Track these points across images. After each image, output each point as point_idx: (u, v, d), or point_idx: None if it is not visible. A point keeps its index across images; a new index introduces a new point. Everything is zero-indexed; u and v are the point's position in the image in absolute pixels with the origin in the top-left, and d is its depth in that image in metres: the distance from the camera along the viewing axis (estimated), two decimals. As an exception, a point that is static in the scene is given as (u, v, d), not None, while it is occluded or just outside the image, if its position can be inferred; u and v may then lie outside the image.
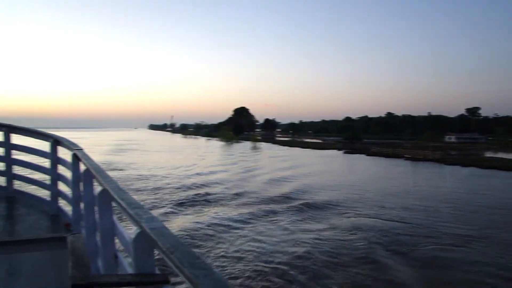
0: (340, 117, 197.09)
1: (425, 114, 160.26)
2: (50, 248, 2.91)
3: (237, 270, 12.35)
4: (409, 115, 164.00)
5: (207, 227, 17.09)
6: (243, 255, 13.69)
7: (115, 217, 3.00)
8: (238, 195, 25.59)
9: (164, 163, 46.02)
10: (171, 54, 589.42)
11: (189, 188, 27.47)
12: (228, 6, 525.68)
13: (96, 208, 3.31)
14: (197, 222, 17.88)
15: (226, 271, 12.13)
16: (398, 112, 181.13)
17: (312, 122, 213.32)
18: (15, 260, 3.60)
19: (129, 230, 2.65)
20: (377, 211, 21.33)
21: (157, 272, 2.10)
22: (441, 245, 15.49)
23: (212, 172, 37.99)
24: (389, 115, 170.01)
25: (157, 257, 2.04)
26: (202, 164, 46.41)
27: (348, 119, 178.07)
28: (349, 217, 19.89)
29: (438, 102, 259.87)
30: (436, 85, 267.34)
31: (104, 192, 2.85)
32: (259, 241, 15.59)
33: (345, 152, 74.72)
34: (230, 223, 18.04)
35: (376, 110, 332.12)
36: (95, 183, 3.57)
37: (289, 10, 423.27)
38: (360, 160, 59.69)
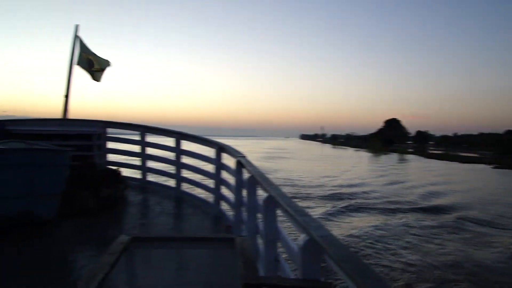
0: (500, 130, 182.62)
1: None
2: (219, 247, 2.97)
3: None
4: None
5: (365, 237, 16.93)
6: (410, 266, 13.23)
7: (279, 223, 3.13)
8: (391, 203, 26.54)
9: (312, 171, 47.75)
10: (322, 66, 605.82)
11: (337, 195, 27.28)
12: (380, 9, 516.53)
13: (258, 213, 3.62)
14: (354, 231, 17.96)
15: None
16: None
17: (469, 135, 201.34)
18: (185, 255, 3.90)
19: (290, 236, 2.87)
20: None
21: (322, 279, 2.09)
22: None
23: (362, 183, 38.70)
24: None
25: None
26: (351, 174, 47.07)
27: (509, 132, 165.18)
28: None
29: None
30: None
31: (269, 198, 2.98)
32: (424, 253, 15.36)
33: (494, 167, 75.13)
34: (388, 233, 18.44)
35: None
36: (258, 189, 3.78)
37: (453, 12, 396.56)
38: (508, 176, 60.23)
